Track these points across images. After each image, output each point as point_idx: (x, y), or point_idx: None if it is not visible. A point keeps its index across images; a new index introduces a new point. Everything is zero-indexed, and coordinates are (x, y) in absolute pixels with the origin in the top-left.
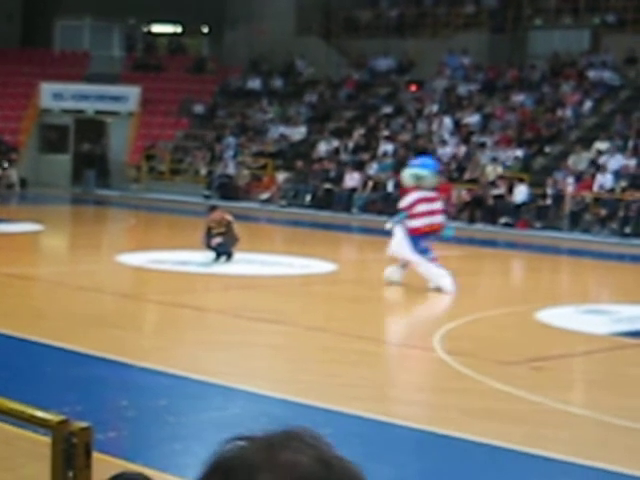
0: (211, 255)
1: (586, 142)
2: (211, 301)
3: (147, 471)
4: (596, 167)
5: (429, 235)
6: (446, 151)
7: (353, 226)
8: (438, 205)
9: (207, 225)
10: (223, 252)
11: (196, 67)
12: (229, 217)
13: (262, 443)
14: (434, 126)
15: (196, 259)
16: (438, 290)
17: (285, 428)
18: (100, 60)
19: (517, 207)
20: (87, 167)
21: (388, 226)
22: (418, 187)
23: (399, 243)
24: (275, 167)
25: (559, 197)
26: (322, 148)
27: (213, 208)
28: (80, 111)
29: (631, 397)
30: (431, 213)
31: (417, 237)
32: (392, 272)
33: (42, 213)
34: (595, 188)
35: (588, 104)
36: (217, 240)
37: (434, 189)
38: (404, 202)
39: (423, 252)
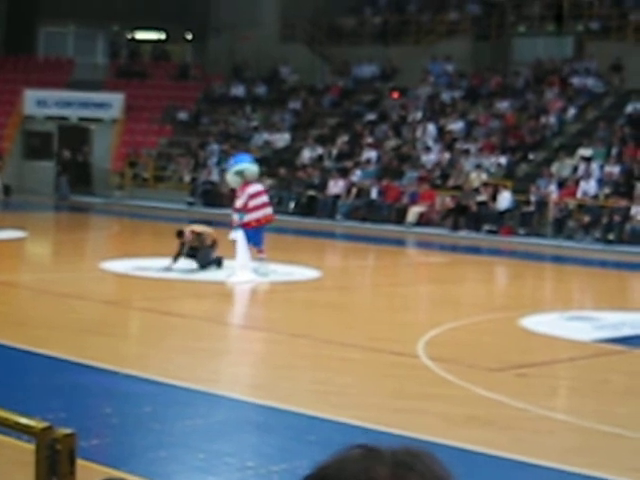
0: (194, 262)
1: (570, 149)
2: (195, 308)
3: (131, 478)
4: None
5: (262, 227)
6: (430, 158)
7: (337, 233)
8: (266, 198)
9: (181, 243)
10: (213, 261)
11: (180, 74)
12: (197, 229)
13: (388, 459)
14: (418, 133)
15: (180, 266)
16: (236, 283)
17: (407, 447)
18: (84, 67)
19: (501, 214)
20: (61, 174)
21: (232, 236)
22: (246, 184)
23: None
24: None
25: (543, 204)
26: (306, 155)
27: (180, 233)
28: (64, 118)
29: (614, 404)
30: (262, 206)
31: (250, 230)
32: (259, 268)
33: (26, 220)
34: (579, 195)
35: (572, 111)
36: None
37: (260, 182)
38: (238, 203)
39: (256, 243)
